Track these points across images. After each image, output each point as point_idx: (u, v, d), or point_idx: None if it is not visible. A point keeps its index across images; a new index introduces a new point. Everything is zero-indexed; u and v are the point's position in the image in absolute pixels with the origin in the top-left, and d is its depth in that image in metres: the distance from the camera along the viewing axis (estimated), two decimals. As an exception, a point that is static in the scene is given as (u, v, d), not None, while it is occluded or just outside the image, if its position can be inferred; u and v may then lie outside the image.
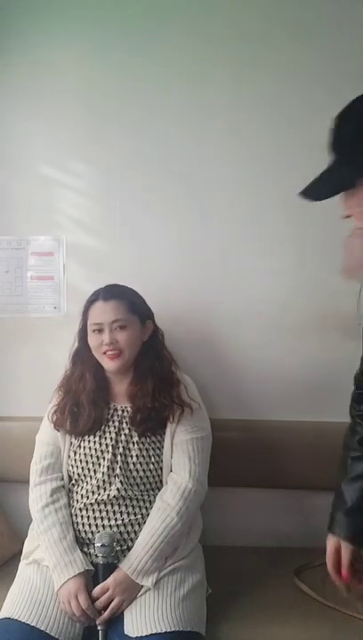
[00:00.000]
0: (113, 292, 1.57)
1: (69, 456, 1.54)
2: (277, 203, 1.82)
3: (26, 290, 1.96)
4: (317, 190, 0.99)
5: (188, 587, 1.39)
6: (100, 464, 1.51)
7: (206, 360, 1.86)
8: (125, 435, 1.53)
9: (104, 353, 1.53)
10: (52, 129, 1.89)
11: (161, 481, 1.52)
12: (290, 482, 1.79)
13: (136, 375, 1.57)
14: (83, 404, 1.55)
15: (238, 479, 1.81)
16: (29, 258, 1.95)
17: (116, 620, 1.31)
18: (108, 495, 1.47)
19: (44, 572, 1.41)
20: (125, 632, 1.28)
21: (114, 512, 1.46)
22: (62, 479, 1.54)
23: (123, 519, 1.45)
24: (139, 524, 1.45)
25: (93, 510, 1.47)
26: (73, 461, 1.54)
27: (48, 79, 1.88)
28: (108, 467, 1.49)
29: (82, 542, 1.46)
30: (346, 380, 1.37)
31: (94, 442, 1.53)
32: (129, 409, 1.55)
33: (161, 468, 1.52)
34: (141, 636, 1.26)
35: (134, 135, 1.85)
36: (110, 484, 1.48)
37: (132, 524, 1.45)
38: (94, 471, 1.51)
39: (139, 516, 1.46)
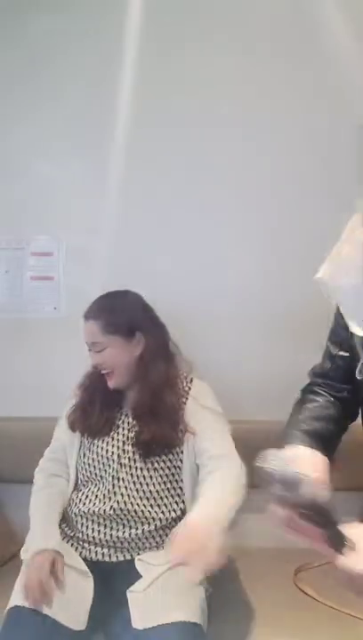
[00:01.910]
0: (93, 310, 1.53)
1: (80, 456, 1.54)
2: (279, 203, 1.82)
3: (25, 290, 1.96)
4: None
5: (189, 584, 1.37)
6: (105, 471, 1.49)
7: (206, 360, 1.85)
8: (132, 444, 1.49)
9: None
10: (52, 129, 1.89)
11: (177, 495, 1.47)
12: (290, 482, 1.79)
13: (136, 392, 1.52)
14: (95, 403, 1.54)
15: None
16: (29, 258, 1.95)
17: (122, 614, 1.31)
18: (112, 506, 1.43)
19: None
20: (133, 625, 1.27)
21: (116, 523, 1.43)
22: (62, 474, 1.56)
23: (124, 532, 1.43)
24: (140, 540, 1.43)
25: (93, 521, 1.45)
26: (82, 463, 1.53)
27: (48, 78, 1.88)
28: (113, 476, 1.47)
29: (81, 541, 1.46)
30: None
31: (103, 447, 1.51)
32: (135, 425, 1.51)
33: (176, 481, 1.48)
34: (148, 628, 1.25)
35: (135, 135, 1.85)
36: (115, 493, 1.45)
37: (132, 539, 1.43)
38: (101, 477, 1.49)
39: (139, 531, 1.43)
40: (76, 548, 1.45)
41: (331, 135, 1.80)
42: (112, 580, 1.39)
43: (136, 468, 1.47)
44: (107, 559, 1.43)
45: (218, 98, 1.83)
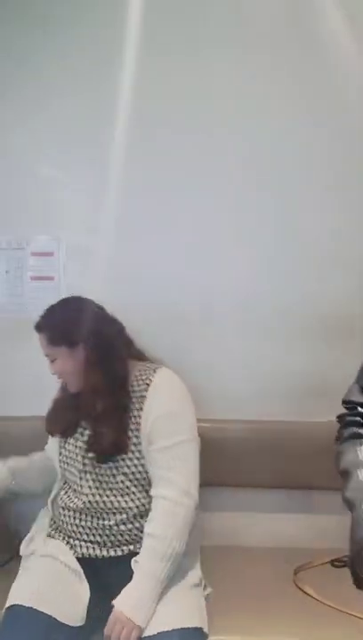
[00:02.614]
0: (39, 323, 1.53)
1: (59, 455, 1.57)
2: (279, 204, 1.82)
3: (26, 290, 1.96)
4: None
5: (186, 585, 1.39)
6: (75, 467, 1.51)
7: (206, 359, 1.86)
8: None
9: None
10: (52, 128, 1.89)
11: (142, 486, 1.46)
12: (290, 482, 1.79)
13: (84, 398, 1.50)
14: (65, 407, 1.56)
15: (238, 479, 1.81)
16: (29, 258, 1.95)
17: None
18: (83, 500, 1.46)
19: (42, 560, 1.44)
20: None
21: (91, 517, 1.45)
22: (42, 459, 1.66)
23: (97, 523, 1.45)
24: (112, 529, 1.44)
25: (70, 516, 1.49)
26: (60, 462, 1.56)
27: (48, 78, 1.88)
28: (80, 470, 1.49)
29: (67, 536, 1.49)
30: (347, 380, 1.37)
31: (70, 448, 1.54)
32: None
33: (141, 472, 1.45)
34: (147, 636, 1.26)
35: (135, 135, 1.85)
36: (82, 487, 1.48)
37: (104, 529, 1.44)
38: (72, 474, 1.52)
39: (112, 522, 1.44)
40: (68, 542, 1.48)
41: (331, 137, 1.80)
42: (107, 580, 1.39)
43: (99, 467, 1.48)
44: (91, 553, 1.45)
45: (218, 99, 1.83)
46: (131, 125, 1.85)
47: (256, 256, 1.85)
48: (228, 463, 1.74)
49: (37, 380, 1.88)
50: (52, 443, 1.60)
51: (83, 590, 1.38)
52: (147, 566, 1.33)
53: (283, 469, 1.78)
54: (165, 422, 1.44)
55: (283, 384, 1.85)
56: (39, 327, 1.52)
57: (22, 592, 1.35)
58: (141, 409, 1.45)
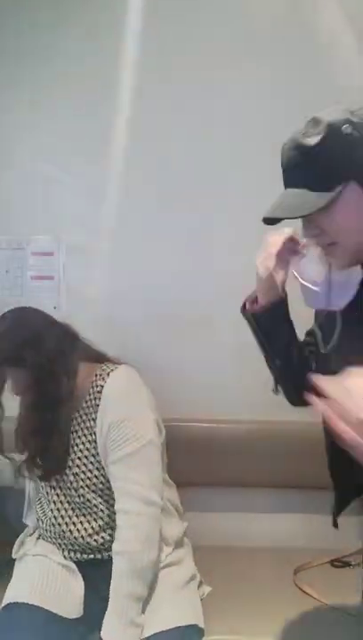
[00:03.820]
0: None
1: None
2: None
3: (26, 290, 1.96)
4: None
5: (178, 583, 1.39)
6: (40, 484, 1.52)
7: (206, 359, 1.86)
8: None
9: None
10: (51, 128, 1.89)
11: (108, 495, 1.43)
12: (290, 482, 1.79)
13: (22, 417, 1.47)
14: None
15: (238, 479, 1.81)
16: (29, 258, 1.95)
17: None
18: (54, 501, 1.46)
19: (35, 560, 1.45)
20: None
21: (61, 528, 1.45)
22: None
23: (67, 536, 1.44)
24: (86, 544, 1.43)
25: (45, 529, 1.49)
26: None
27: (48, 78, 1.88)
28: (44, 485, 1.49)
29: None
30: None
31: None
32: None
33: (105, 477, 1.42)
34: (143, 638, 1.26)
35: (135, 134, 1.85)
36: (49, 501, 1.48)
37: (78, 545, 1.44)
38: (42, 487, 1.52)
39: (78, 535, 1.43)
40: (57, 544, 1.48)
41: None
42: (96, 578, 1.40)
43: (63, 481, 1.45)
44: (73, 556, 1.45)
45: (219, 98, 1.83)
46: (131, 126, 1.86)
47: (256, 255, 1.85)
48: (227, 463, 1.73)
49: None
50: None
51: (77, 584, 1.39)
52: (119, 588, 1.27)
53: (283, 469, 1.78)
54: (117, 431, 1.37)
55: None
56: None
57: (18, 590, 1.36)
58: (95, 419, 1.41)
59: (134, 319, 1.85)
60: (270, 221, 1.04)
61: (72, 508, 1.45)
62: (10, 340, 1.40)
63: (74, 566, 1.43)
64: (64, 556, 1.46)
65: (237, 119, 1.83)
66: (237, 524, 1.86)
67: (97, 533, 1.43)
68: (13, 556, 1.53)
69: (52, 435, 1.41)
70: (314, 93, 1.80)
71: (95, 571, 1.41)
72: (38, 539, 1.53)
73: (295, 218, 0.99)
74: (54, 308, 1.94)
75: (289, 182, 1.01)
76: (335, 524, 1.24)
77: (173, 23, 1.83)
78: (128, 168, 1.86)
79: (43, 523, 1.51)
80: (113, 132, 1.86)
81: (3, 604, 1.34)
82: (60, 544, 1.47)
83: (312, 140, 0.94)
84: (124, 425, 1.37)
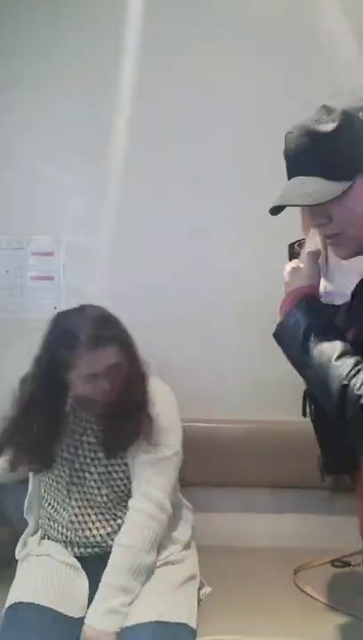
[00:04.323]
0: (103, 335, 1.43)
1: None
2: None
3: (26, 290, 1.96)
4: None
5: (177, 580, 1.40)
6: (58, 481, 1.50)
7: (206, 359, 1.86)
8: (83, 450, 1.49)
9: None
10: (52, 128, 1.89)
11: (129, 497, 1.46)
12: (290, 482, 1.79)
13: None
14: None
15: (238, 479, 1.81)
16: (29, 258, 1.95)
17: None
18: (69, 516, 1.46)
19: (39, 560, 1.45)
20: None
21: (76, 530, 1.46)
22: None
23: (85, 535, 1.45)
24: (104, 542, 1.45)
25: (55, 530, 1.49)
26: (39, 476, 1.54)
27: (48, 77, 1.88)
28: (68, 482, 1.48)
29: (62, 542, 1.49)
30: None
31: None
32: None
33: (129, 479, 1.47)
34: (125, 627, 1.26)
35: (135, 134, 1.85)
36: (67, 503, 1.47)
37: (94, 543, 1.45)
38: (57, 488, 1.51)
39: (99, 539, 1.45)
40: (63, 543, 1.48)
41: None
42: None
43: (84, 479, 1.47)
44: (83, 551, 1.46)
45: (218, 99, 1.83)
46: (131, 126, 1.86)
47: (256, 255, 1.85)
48: (227, 463, 1.73)
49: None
50: None
51: (81, 582, 1.39)
52: (113, 579, 1.32)
53: (283, 469, 1.77)
54: (156, 436, 1.44)
55: (282, 384, 1.85)
56: (107, 339, 1.40)
57: (22, 590, 1.36)
58: None
59: (134, 319, 1.84)
60: (277, 210, 1.02)
61: (95, 513, 1.46)
62: (115, 323, 1.46)
63: (78, 565, 1.43)
64: (73, 552, 1.46)
65: (238, 119, 1.83)
66: (237, 523, 1.86)
67: (115, 532, 1.44)
68: (17, 556, 1.52)
69: (129, 416, 1.43)
70: (314, 93, 1.79)
71: (102, 564, 1.41)
72: (43, 538, 1.53)
73: (313, 206, 0.97)
74: (54, 308, 1.93)
75: (297, 170, 0.99)
76: (323, 480, 1.22)
77: (173, 23, 1.83)
78: (128, 168, 1.86)
79: (55, 524, 1.49)
80: (113, 131, 1.86)
81: (8, 604, 1.34)
82: (70, 542, 1.47)
83: (327, 127, 0.92)
84: (162, 432, 1.45)
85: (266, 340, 1.86)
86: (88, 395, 1.42)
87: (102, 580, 1.32)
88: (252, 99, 1.82)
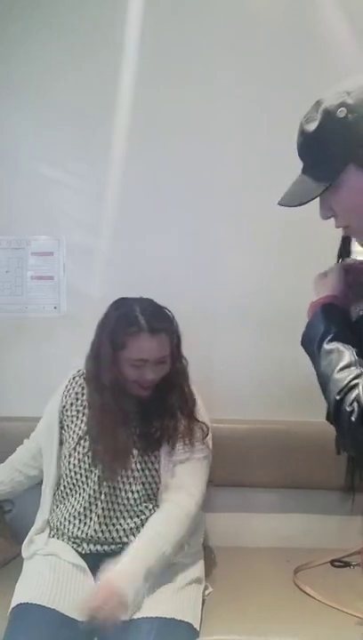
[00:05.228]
0: (158, 325, 1.49)
1: (65, 456, 1.53)
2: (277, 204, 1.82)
3: (26, 290, 1.96)
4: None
5: (184, 581, 1.40)
6: (84, 481, 1.49)
7: (207, 359, 1.86)
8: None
9: None
10: (52, 128, 1.90)
11: (156, 504, 1.46)
12: (290, 482, 1.79)
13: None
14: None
15: (239, 479, 1.81)
16: (29, 258, 1.95)
17: None
18: (96, 510, 1.45)
19: (45, 560, 1.44)
20: None
21: (100, 527, 1.45)
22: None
23: (108, 529, 1.45)
24: (124, 540, 1.43)
25: (74, 524, 1.47)
26: (67, 463, 1.52)
27: (47, 78, 1.88)
28: (98, 480, 1.46)
29: (72, 539, 1.48)
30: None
31: (81, 453, 1.50)
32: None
33: (159, 477, 1.47)
34: (131, 620, 1.25)
35: (135, 134, 1.85)
36: (91, 510, 1.46)
37: (113, 539, 1.44)
38: (81, 486, 1.49)
39: (121, 533, 1.45)
40: (73, 542, 1.47)
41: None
42: None
43: (114, 474, 1.46)
44: (99, 548, 1.45)
45: (219, 103, 1.83)
46: (131, 126, 1.86)
47: (256, 255, 1.85)
48: (228, 463, 1.73)
49: (37, 379, 1.89)
50: (48, 447, 1.56)
51: (88, 584, 1.38)
52: (141, 550, 1.31)
53: (283, 469, 1.78)
54: (195, 436, 1.49)
55: (283, 384, 1.85)
56: (161, 329, 1.46)
57: (28, 591, 1.36)
58: None
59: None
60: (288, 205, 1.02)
61: (120, 510, 1.46)
62: (172, 319, 1.51)
63: (85, 565, 1.42)
64: (89, 549, 1.45)
65: (237, 119, 1.83)
66: (237, 523, 1.86)
67: (137, 528, 1.44)
68: (23, 554, 1.51)
69: (171, 414, 1.49)
70: (314, 93, 1.80)
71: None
72: (51, 537, 1.51)
73: (292, 206, 0.99)
74: (54, 307, 1.94)
75: (301, 168, 0.99)
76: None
77: (173, 23, 1.83)
78: (128, 168, 1.86)
79: (74, 519, 1.47)
80: (113, 132, 1.86)
81: (13, 604, 1.33)
82: (85, 539, 1.46)
83: (310, 127, 0.93)
84: (201, 433, 1.51)
85: (266, 339, 1.87)
86: (133, 379, 1.44)
87: (130, 549, 1.31)
88: (252, 98, 1.82)
